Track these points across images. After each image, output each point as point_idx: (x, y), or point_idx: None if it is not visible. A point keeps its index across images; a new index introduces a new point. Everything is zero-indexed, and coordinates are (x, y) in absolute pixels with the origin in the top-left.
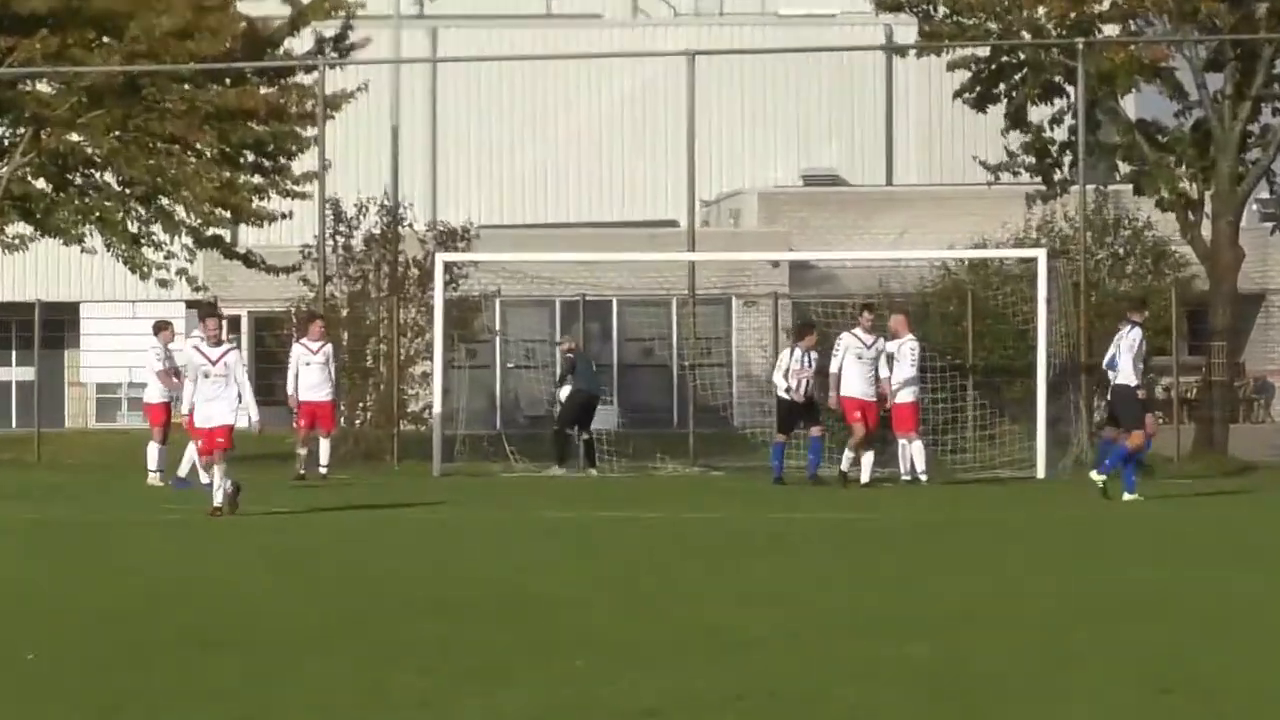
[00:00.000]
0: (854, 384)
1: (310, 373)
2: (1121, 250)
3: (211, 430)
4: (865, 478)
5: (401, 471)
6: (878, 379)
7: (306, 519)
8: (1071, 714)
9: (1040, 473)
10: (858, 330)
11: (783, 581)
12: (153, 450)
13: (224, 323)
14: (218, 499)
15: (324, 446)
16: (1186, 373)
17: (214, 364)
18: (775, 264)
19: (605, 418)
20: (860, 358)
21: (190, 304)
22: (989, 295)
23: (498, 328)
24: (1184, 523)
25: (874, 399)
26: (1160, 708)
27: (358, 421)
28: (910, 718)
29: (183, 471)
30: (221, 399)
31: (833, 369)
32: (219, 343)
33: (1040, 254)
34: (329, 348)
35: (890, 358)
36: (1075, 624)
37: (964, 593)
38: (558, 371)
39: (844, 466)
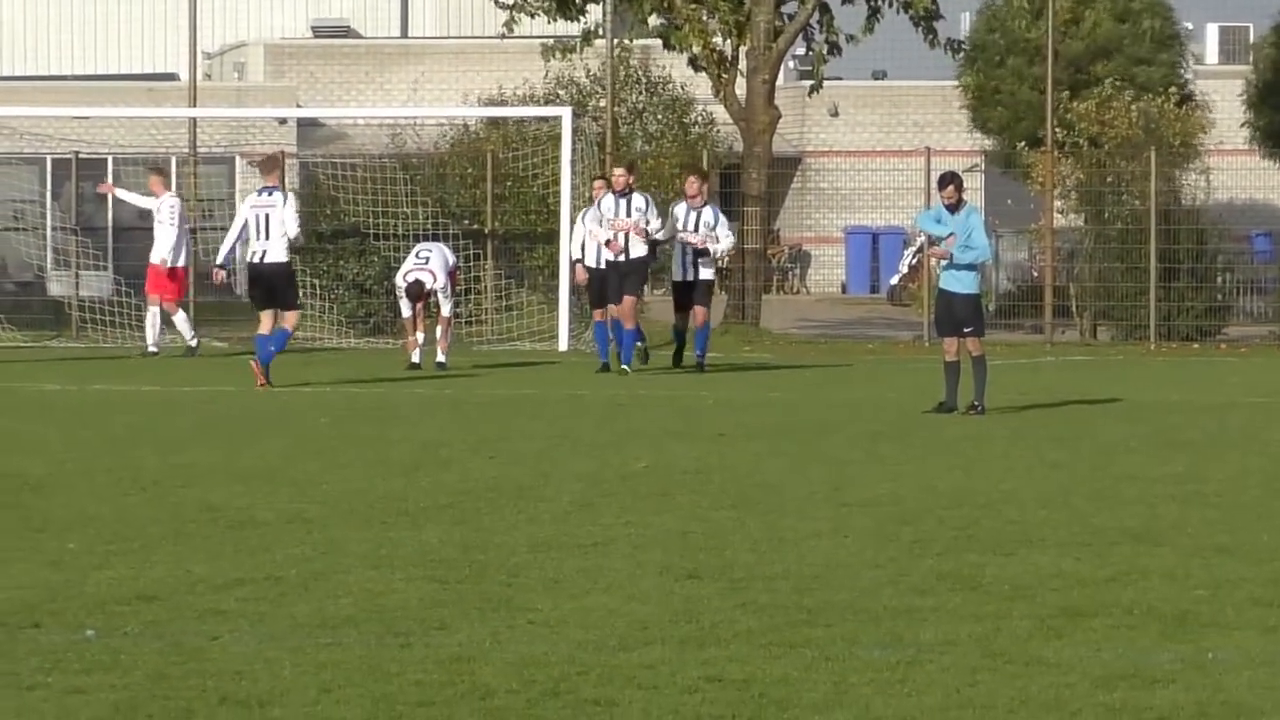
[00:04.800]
0: None
1: None
2: (639, 105)
3: None
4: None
5: None
6: None
7: None
8: (593, 602)
9: (563, 344)
10: None
11: (290, 461)
12: None
13: None
14: None
15: None
16: None
17: None
18: (282, 121)
19: (99, 284)
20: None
21: None
22: (510, 156)
23: None
24: (713, 400)
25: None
26: (686, 594)
27: None
28: (421, 605)
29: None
30: None
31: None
32: None
33: (565, 112)
34: None
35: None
36: (603, 506)
37: (483, 475)
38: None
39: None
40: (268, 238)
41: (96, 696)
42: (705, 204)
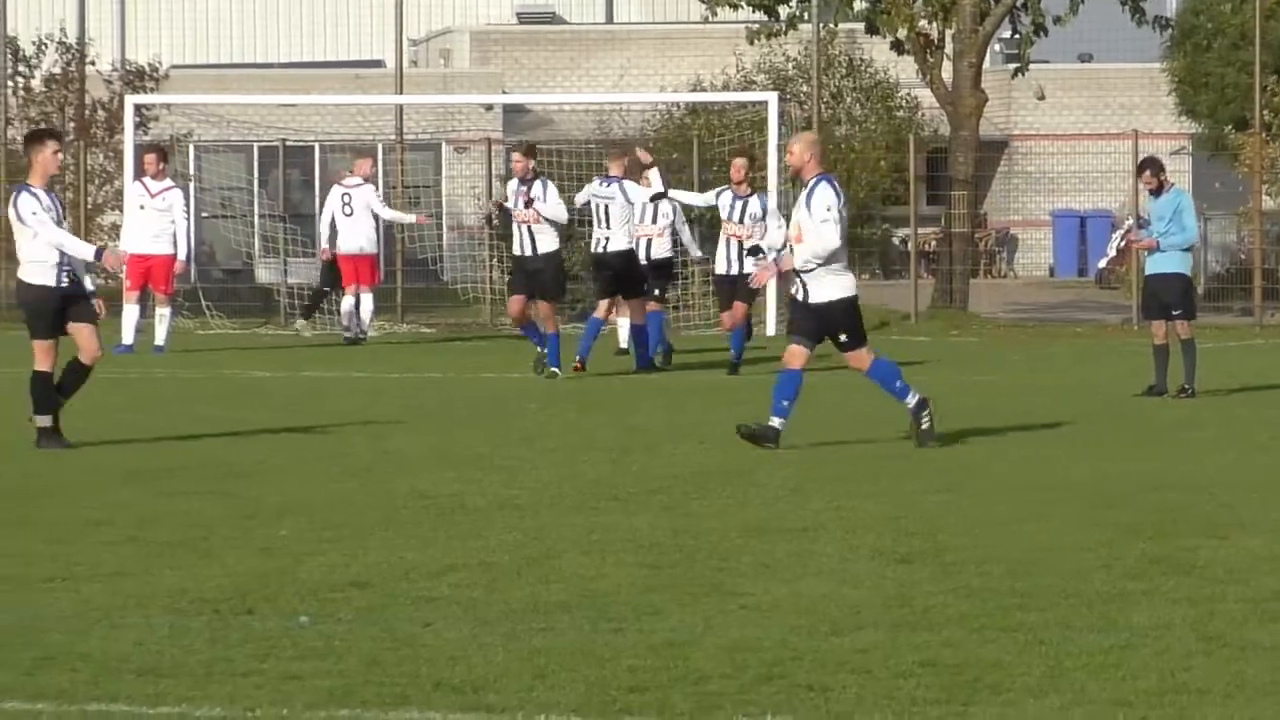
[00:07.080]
0: None
1: None
2: (838, 88)
3: None
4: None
5: None
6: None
7: None
8: (805, 587)
9: (770, 329)
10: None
11: (498, 447)
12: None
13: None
14: None
15: None
16: (925, 224)
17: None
18: (488, 107)
19: (307, 271)
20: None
21: None
22: (715, 141)
23: (191, 174)
24: (927, 385)
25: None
26: (898, 578)
27: None
28: (632, 590)
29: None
30: None
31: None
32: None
33: (771, 97)
34: None
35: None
36: (812, 491)
37: (691, 460)
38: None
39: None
40: (608, 226)
41: (311, 683)
42: (753, 193)
